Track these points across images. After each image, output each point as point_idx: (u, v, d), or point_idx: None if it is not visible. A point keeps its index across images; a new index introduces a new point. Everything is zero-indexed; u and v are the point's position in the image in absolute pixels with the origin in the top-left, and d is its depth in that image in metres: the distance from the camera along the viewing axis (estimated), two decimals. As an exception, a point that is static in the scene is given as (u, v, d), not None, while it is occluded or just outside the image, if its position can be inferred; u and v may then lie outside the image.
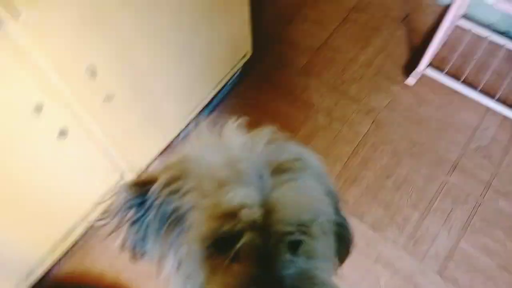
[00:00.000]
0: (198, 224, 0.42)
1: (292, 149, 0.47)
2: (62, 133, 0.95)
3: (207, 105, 1.45)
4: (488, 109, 1.52)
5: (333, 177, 1.39)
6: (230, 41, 1.37)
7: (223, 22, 1.25)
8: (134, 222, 0.49)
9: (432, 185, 1.37)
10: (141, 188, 0.48)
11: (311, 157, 0.48)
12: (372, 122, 1.51)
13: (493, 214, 1.31)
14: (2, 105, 0.79)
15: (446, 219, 1.31)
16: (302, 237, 0.43)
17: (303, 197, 0.42)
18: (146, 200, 0.47)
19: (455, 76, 1.58)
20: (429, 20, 1.77)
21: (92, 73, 0.90)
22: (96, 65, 0.91)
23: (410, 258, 1.24)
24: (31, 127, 0.88)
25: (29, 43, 0.76)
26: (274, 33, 1.74)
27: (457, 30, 1.70)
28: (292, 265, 0.40)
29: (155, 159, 1.36)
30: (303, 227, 0.43)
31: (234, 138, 0.47)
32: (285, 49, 1.70)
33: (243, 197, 0.40)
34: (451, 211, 1.32)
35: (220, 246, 0.42)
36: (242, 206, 0.40)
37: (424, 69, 1.58)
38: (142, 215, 0.48)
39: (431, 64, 1.61)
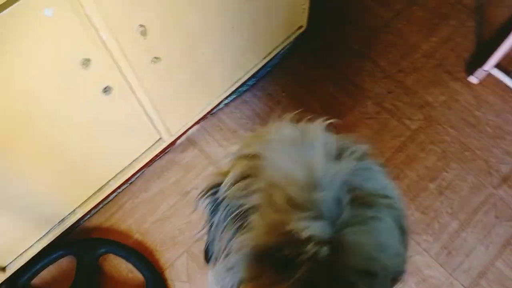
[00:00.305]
0: (258, 232, 0.40)
1: (379, 180, 0.42)
2: (107, 89, 0.94)
3: (252, 76, 1.40)
4: (555, 123, 1.39)
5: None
6: (286, 11, 1.29)
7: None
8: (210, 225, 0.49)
9: (477, 196, 1.28)
10: (216, 186, 0.47)
11: (397, 196, 0.43)
12: (424, 118, 1.42)
13: (539, 237, 1.23)
14: (51, 55, 0.78)
15: (486, 234, 1.23)
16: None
17: (379, 246, 0.38)
18: (217, 199, 0.47)
19: (524, 81, 1.45)
20: (505, 14, 1.61)
21: (142, 33, 0.87)
22: (147, 26, 0.87)
23: (441, 268, 1.19)
24: (78, 79, 0.87)
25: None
26: (334, 7, 1.64)
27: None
28: None
29: (193, 125, 1.34)
30: (368, 279, 0.38)
31: (317, 146, 0.42)
32: (343, 26, 1.60)
33: (315, 230, 0.36)
34: (493, 226, 1.24)
35: (272, 259, 0.40)
36: (311, 239, 0.36)
37: (491, 69, 1.45)
38: (213, 216, 0.47)
39: (499, 64, 1.48)
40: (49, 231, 1.16)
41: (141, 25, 0.86)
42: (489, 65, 1.44)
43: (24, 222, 1.06)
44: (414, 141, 1.37)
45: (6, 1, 0.64)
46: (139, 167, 1.27)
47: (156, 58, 0.96)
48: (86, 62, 0.84)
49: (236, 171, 0.45)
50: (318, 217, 0.37)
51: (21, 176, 0.94)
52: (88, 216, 1.28)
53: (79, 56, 0.82)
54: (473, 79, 1.48)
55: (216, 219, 0.47)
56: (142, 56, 0.93)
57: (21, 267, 1.14)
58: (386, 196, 0.41)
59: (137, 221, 1.27)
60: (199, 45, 1.06)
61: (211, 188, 0.49)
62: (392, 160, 1.35)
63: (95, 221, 1.28)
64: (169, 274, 1.20)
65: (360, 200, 0.39)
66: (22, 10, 0.67)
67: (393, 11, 1.63)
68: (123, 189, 1.31)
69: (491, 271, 1.18)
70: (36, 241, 1.15)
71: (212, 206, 0.48)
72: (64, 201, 1.15)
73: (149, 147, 1.25)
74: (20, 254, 1.13)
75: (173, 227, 1.26)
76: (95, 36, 0.82)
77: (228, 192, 0.45)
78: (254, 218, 0.41)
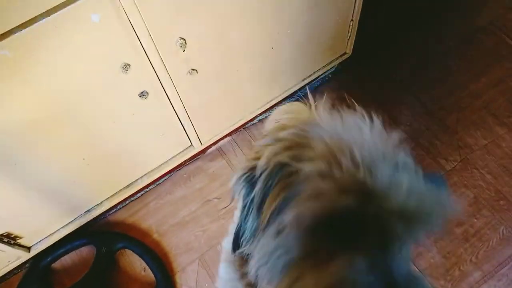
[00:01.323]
0: (321, 194, 0.37)
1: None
2: (144, 94, 0.99)
3: (290, 95, 1.42)
4: None
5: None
6: (331, 37, 1.30)
7: (328, 14, 1.19)
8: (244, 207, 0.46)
9: (507, 249, 1.21)
10: (252, 169, 0.45)
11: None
12: (461, 160, 1.36)
13: None
14: (95, 57, 0.83)
15: (510, 290, 1.16)
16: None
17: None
18: (254, 181, 0.44)
19: None
20: None
21: (182, 45, 0.91)
22: (188, 39, 0.91)
23: (455, 319, 1.14)
24: (118, 82, 0.92)
25: (130, 5, 0.78)
26: (382, 37, 1.62)
27: None
28: (407, 267, 0.37)
29: (225, 136, 1.37)
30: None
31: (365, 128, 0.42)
32: (388, 57, 1.58)
33: (394, 180, 0.36)
34: (519, 283, 1.17)
35: (332, 224, 0.37)
36: (391, 188, 0.36)
37: (541, 117, 1.38)
38: (250, 191, 0.44)
39: (551, 114, 1.41)
40: (75, 219, 1.23)
41: (181, 38, 0.91)
42: (540, 114, 1.37)
43: (53, 207, 1.13)
44: (446, 182, 1.33)
45: (57, 5, 0.69)
46: (168, 170, 1.31)
47: (193, 69, 1.00)
48: (126, 67, 0.89)
49: (279, 145, 0.43)
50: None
51: (56, 161, 1.00)
52: (114, 210, 1.34)
53: (120, 61, 0.88)
54: (520, 126, 1.41)
55: (251, 197, 0.44)
56: (180, 67, 0.98)
57: (45, 250, 1.21)
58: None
59: (158, 221, 1.31)
60: (237, 62, 1.09)
61: (248, 171, 0.46)
62: (420, 198, 1.31)
63: (120, 215, 1.33)
64: (179, 278, 1.22)
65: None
66: (72, 14, 0.73)
67: (445, 45, 1.59)
68: (150, 189, 1.36)
69: (510, 332, 1.12)
70: (62, 227, 1.21)
71: (248, 189, 0.45)
72: (93, 192, 1.21)
73: (179, 152, 1.29)
74: (46, 237, 1.20)
75: (190, 232, 1.29)
76: (137, 43, 0.86)
77: (271, 163, 0.42)
78: (314, 183, 0.38)
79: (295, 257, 0.39)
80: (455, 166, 1.35)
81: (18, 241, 1.15)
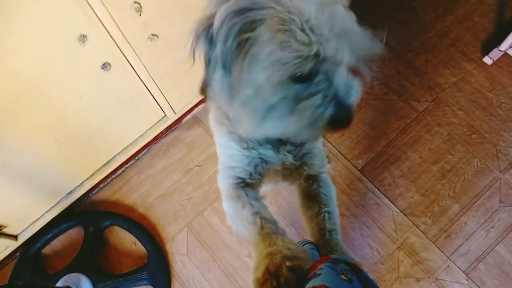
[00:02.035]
0: (286, 60, 0.47)
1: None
2: (106, 65, 0.97)
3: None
4: None
5: (374, 154, 1.32)
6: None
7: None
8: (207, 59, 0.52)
9: (482, 180, 1.26)
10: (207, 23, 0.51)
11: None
12: (433, 100, 1.39)
13: (544, 223, 1.20)
14: (50, 29, 0.80)
15: (488, 218, 1.21)
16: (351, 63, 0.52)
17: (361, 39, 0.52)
18: (211, 36, 0.50)
19: (542, 62, 1.39)
20: (529, -8, 1.53)
21: (137, 9, 0.89)
22: (142, 2, 0.88)
23: (438, 251, 1.18)
24: (76, 54, 0.90)
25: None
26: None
27: (560, 9, 1.47)
28: (348, 82, 0.52)
29: (199, 103, 1.36)
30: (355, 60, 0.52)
31: None
32: (353, 5, 1.57)
33: (331, 47, 0.47)
34: (496, 210, 1.22)
35: (294, 77, 0.49)
36: (329, 53, 0.48)
37: (507, 49, 1.40)
38: (210, 49, 0.51)
39: (517, 44, 1.43)
40: (57, 202, 1.22)
41: (135, 2, 0.88)
42: (506, 45, 1.38)
43: (32, 193, 1.12)
44: (419, 123, 1.35)
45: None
46: (145, 143, 1.31)
47: (153, 35, 0.98)
48: (83, 38, 0.87)
49: (232, 5, 0.48)
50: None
51: (27, 145, 0.98)
52: (97, 189, 1.33)
53: (75, 32, 0.85)
54: (487, 60, 1.43)
55: (213, 54, 0.50)
56: (139, 33, 0.95)
57: (33, 236, 1.21)
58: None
59: (142, 195, 1.32)
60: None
61: (204, 29, 0.51)
62: (395, 141, 1.33)
63: (103, 194, 1.33)
64: (170, 247, 1.24)
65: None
66: (14, -13, 0.70)
67: (408, -12, 1.58)
68: (130, 165, 1.36)
69: (490, 256, 1.17)
70: (46, 212, 1.21)
71: (207, 45, 0.51)
72: (71, 174, 1.20)
73: (154, 124, 1.28)
74: (31, 224, 1.20)
75: (175, 202, 1.30)
76: (90, 12, 0.84)
77: (223, 27, 0.48)
78: (271, 43, 0.47)
79: (270, 103, 0.51)
80: (427, 106, 1.38)
81: (3, 230, 1.14)
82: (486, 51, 1.44)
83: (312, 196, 0.69)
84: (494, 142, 1.31)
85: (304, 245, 0.75)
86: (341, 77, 0.51)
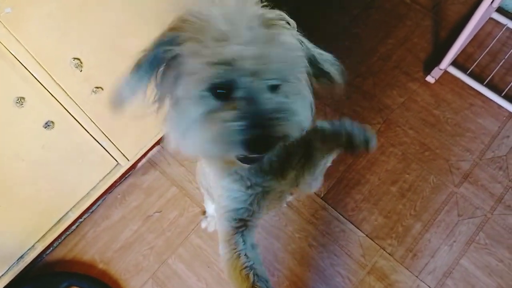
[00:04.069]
0: (198, 69, 0.47)
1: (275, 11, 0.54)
2: (49, 124, 0.92)
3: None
4: (511, 116, 1.41)
5: (334, 180, 1.33)
6: None
7: None
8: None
9: (439, 196, 1.29)
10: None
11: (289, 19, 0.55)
12: (384, 121, 1.42)
13: (501, 232, 1.24)
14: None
15: (449, 233, 1.24)
16: (280, 82, 0.51)
17: (286, 52, 0.50)
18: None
19: (479, 76, 1.47)
20: (460, 11, 1.63)
21: (77, 65, 0.86)
22: (82, 58, 0.86)
23: (407, 272, 1.19)
24: (15, 118, 0.85)
25: (5, 35, 0.72)
26: (289, 13, 1.64)
27: (489, 25, 1.56)
28: (272, 101, 0.49)
29: (153, 147, 1.32)
30: (282, 75, 0.51)
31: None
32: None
33: (240, 50, 0.46)
34: (456, 224, 1.25)
35: (213, 91, 0.49)
36: (239, 58, 0.46)
37: (447, 67, 1.47)
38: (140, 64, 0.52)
39: (455, 62, 1.50)
40: (8, 269, 1.14)
41: (75, 58, 0.85)
42: (445, 63, 1.45)
43: (-23, 264, 1.03)
44: (374, 145, 1.38)
45: None
46: (99, 195, 1.25)
47: (97, 88, 0.95)
48: (20, 101, 0.82)
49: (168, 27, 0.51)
50: (239, 37, 0.47)
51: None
52: (51, 249, 1.25)
53: (11, 96, 0.81)
54: (430, 79, 1.49)
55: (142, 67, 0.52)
56: (82, 88, 0.92)
57: (-18, 309, 1.12)
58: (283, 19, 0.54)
59: (100, 250, 1.25)
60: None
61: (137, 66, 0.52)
62: (353, 166, 1.35)
63: (58, 253, 1.25)
64: (135, 302, 1.18)
65: (267, 23, 0.50)
66: None
67: (350, 16, 1.64)
68: (84, 218, 1.29)
69: (456, 270, 1.19)
70: (-5, 281, 1.12)
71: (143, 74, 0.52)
72: (21, 237, 1.12)
73: (107, 174, 1.23)
74: (-21, 296, 1.11)
75: (137, 253, 1.24)
76: (27, 74, 0.80)
77: (154, 44, 0.50)
78: (192, 61, 0.48)
79: (194, 116, 0.50)
80: (379, 128, 1.41)
81: None
82: (428, 70, 1.50)
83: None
84: (445, 157, 1.35)
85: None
86: (266, 95, 0.48)
